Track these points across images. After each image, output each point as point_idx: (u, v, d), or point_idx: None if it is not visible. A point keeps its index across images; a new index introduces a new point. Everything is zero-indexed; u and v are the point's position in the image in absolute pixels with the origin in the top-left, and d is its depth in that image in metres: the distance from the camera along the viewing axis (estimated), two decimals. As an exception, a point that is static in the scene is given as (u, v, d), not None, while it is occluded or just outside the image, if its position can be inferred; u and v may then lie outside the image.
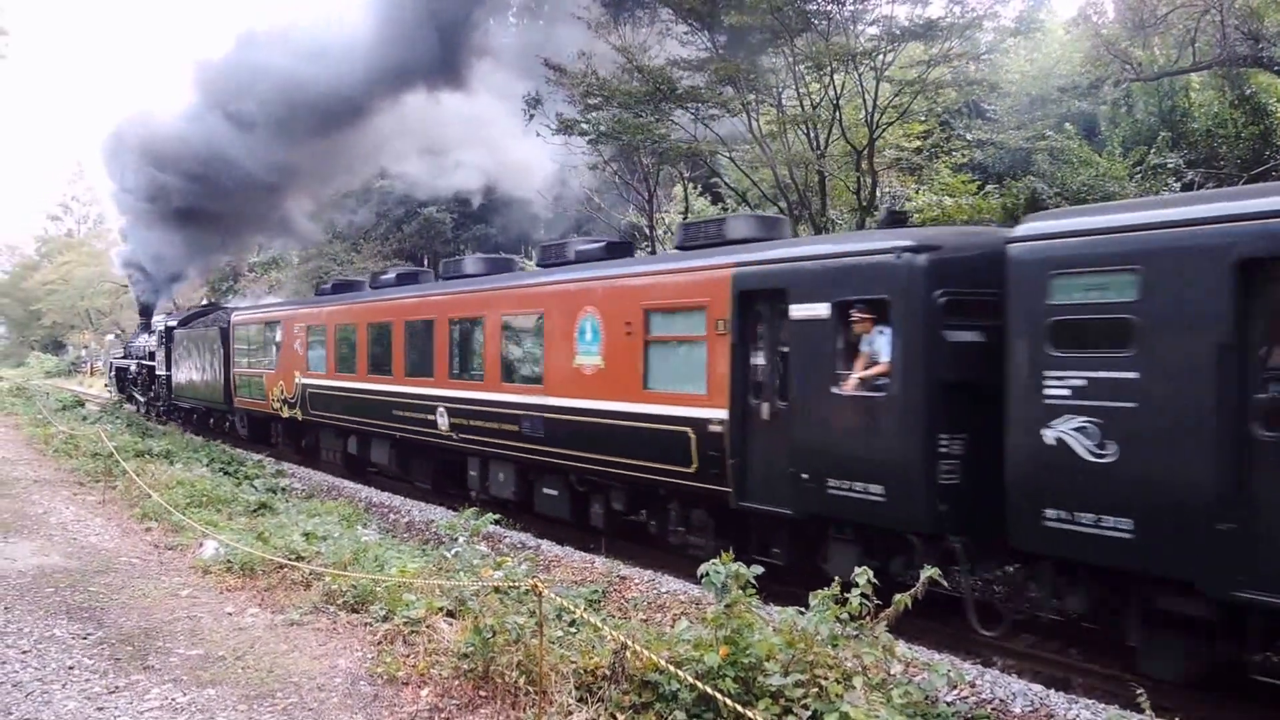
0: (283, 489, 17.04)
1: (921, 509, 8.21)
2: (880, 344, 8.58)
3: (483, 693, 6.09)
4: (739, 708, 4.80)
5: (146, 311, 34.87)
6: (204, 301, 39.04)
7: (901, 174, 22.55)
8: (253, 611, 8.33)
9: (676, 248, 12.32)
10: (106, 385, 40.88)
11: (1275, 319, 6.34)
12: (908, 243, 8.49)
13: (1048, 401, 7.24)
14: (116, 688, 6.44)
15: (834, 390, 8.85)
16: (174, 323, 29.29)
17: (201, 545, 10.61)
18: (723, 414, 9.89)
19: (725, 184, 23.94)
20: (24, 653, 7.15)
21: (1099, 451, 6.98)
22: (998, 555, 8.16)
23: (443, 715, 5.90)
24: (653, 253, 22.98)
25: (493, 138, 25.92)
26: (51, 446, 20.67)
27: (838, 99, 18.47)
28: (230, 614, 8.26)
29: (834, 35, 17.65)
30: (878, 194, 19.91)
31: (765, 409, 9.60)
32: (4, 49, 28.36)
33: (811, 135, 19.16)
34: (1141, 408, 6.75)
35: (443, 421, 14.81)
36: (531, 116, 21.14)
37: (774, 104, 19.43)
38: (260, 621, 8.02)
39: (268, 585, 9.05)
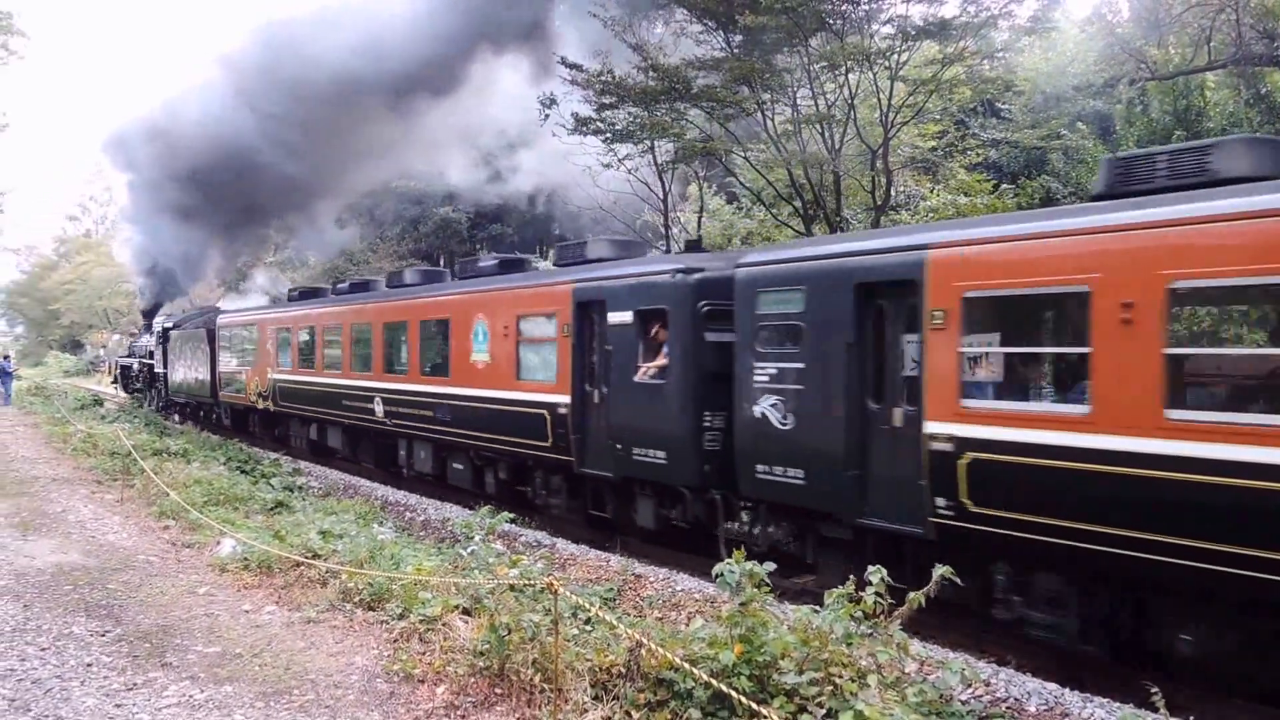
0: (299, 487, 17.15)
1: (692, 470, 10.81)
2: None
3: (498, 690, 6.11)
4: (754, 705, 4.81)
5: (150, 313, 36.52)
6: (218, 302, 39.35)
7: (916, 173, 22.50)
8: (270, 609, 8.37)
9: (553, 264, 14.76)
10: (113, 382, 43.69)
11: (877, 324, 8.94)
12: (680, 266, 11.23)
13: (756, 386, 9.82)
14: (134, 685, 6.49)
15: (635, 379, 11.46)
16: (170, 325, 31.39)
17: (219, 543, 10.67)
18: (567, 399, 12.53)
19: (740, 184, 23.91)
20: (43, 650, 7.21)
21: (783, 422, 9.56)
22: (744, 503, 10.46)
23: (458, 713, 5.92)
24: (667, 252, 23.07)
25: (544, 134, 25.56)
26: (70, 445, 20.79)
27: (852, 98, 18.42)
28: (247, 611, 8.31)
29: (849, 35, 17.61)
30: (893, 193, 19.86)
31: (596, 394, 12.23)
32: (23, 51, 28.53)
33: (826, 135, 19.12)
34: (806, 389, 9.34)
35: (379, 409, 17.51)
36: (547, 116, 21.17)
37: (789, 104, 19.40)
38: (277, 619, 8.06)
39: (285, 583, 9.11)
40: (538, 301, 13.54)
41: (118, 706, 6.11)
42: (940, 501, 8.05)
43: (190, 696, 6.27)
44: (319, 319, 20.73)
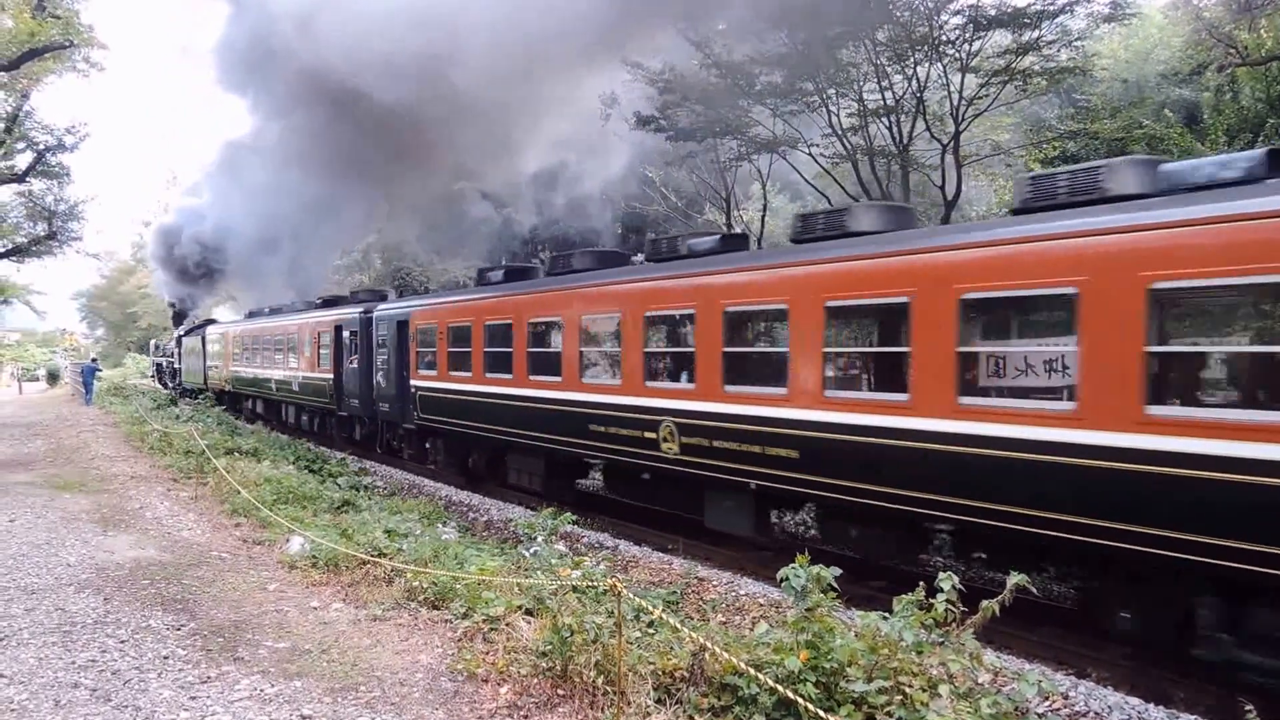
0: (365, 487, 17.38)
1: (368, 408, 21.64)
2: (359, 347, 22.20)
3: (561, 691, 6.07)
4: (820, 713, 4.68)
5: (179, 320, 46.15)
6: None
7: (989, 168, 21.94)
8: (337, 606, 8.46)
9: (353, 303, 24.49)
10: (149, 377, 55.23)
11: (405, 340, 19.40)
12: (362, 310, 21.86)
13: (378, 367, 20.81)
14: (208, 678, 6.60)
15: (348, 365, 22.57)
16: (182, 332, 43.10)
17: (288, 541, 10.85)
18: (332, 376, 23.65)
19: (805, 180, 23.63)
20: (122, 642, 7.39)
21: (384, 384, 20.55)
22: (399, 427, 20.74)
23: (521, 713, 5.89)
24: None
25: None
26: (147, 444, 21.39)
27: (921, 91, 18.04)
28: (315, 608, 8.41)
29: (917, 26, 17.25)
30: (964, 188, 19.40)
31: (343, 374, 23.03)
32: (103, 62, 29.35)
33: (894, 129, 18.77)
34: (389, 369, 20.18)
35: (274, 387, 28.72)
36: (609, 115, 21.13)
37: (854, 98, 19.08)
38: (344, 616, 8.14)
39: (351, 581, 9.21)
40: (322, 325, 24.50)
41: (192, 699, 6.22)
42: (416, 414, 18.78)
43: (261, 691, 6.35)
44: (248, 330, 32.14)
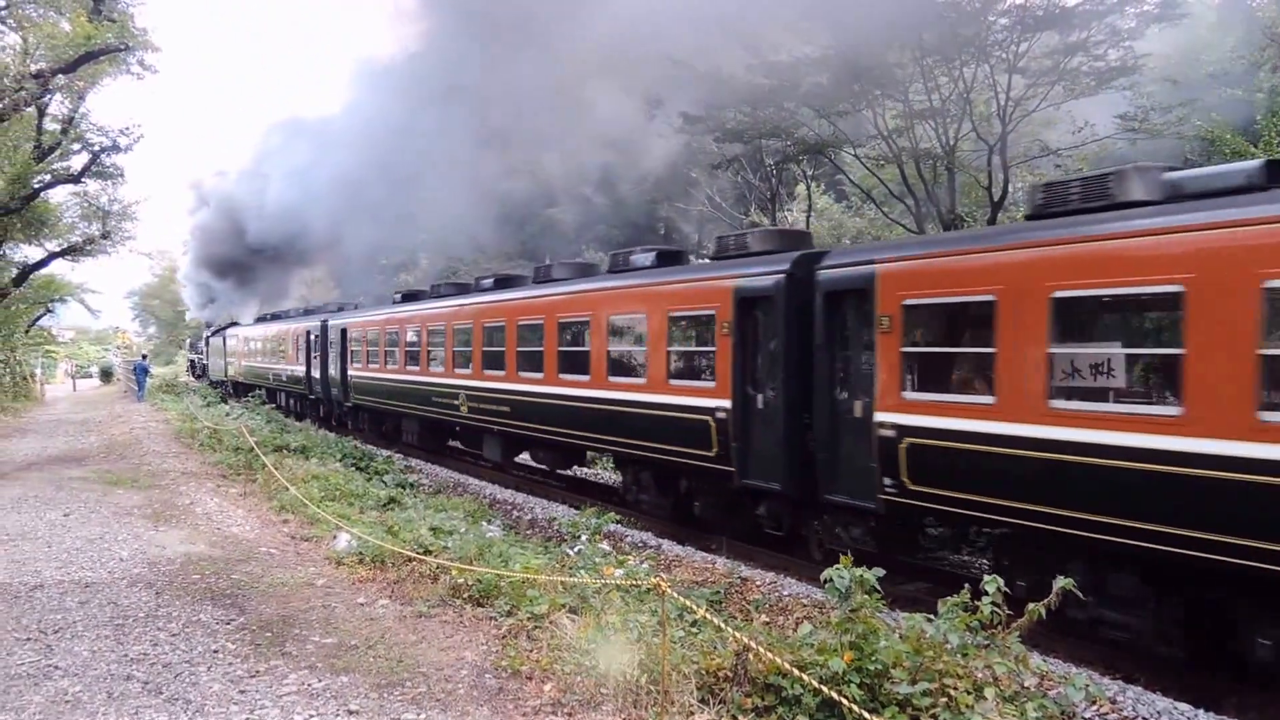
0: (411, 485, 17.53)
1: (326, 393, 28.64)
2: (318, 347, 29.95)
3: (604, 690, 6.09)
4: (865, 714, 4.66)
5: (209, 325, 54.04)
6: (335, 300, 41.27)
7: (1036, 169, 21.61)
8: (383, 603, 8.55)
9: (322, 312, 31.25)
10: (186, 371, 64.15)
11: (345, 345, 26.71)
12: (324, 319, 29.10)
13: (330, 360, 28.03)
14: (257, 672, 6.70)
15: (313, 360, 29.91)
16: (209, 333, 51.12)
17: (335, 537, 10.98)
18: (303, 369, 30.81)
19: (850, 181, 23.49)
20: (173, 636, 7.53)
21: (334, 373, 27.68)
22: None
23: (565, 710, 5.92)
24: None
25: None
26: (197, 441, 21.75)
27: (968, 92, 17.85)
28: (362, 604, 8.50)
29: (963, 27, 17.06)
30: (1010, 189, 19.15)
31: (311, 368, 29.91)
32: (156, 64, 29.78)
33: (940, 130, 18.58)
34: (337, 363, 27.57)
35: (270, 376, 35.82)
36: (653, 116, 21.13)
37: (900, 99, 18.92)
38: (390, 612, 8.23)
39: (397, 577, 9.29)
40: (299, 330, 31.24)
41: (241, 692, 6.32)
42: (351, 395, 25.95)
43: (309, 685, 6.44)
44: (254, 334, 39.60)
